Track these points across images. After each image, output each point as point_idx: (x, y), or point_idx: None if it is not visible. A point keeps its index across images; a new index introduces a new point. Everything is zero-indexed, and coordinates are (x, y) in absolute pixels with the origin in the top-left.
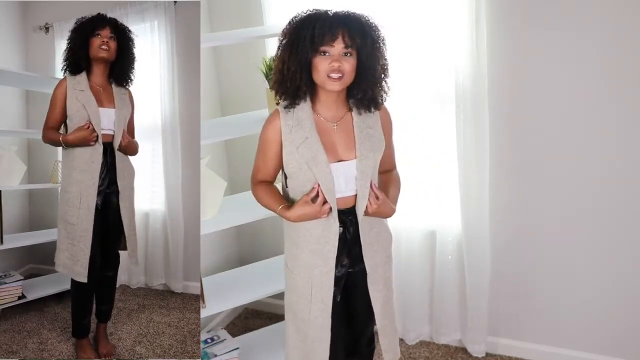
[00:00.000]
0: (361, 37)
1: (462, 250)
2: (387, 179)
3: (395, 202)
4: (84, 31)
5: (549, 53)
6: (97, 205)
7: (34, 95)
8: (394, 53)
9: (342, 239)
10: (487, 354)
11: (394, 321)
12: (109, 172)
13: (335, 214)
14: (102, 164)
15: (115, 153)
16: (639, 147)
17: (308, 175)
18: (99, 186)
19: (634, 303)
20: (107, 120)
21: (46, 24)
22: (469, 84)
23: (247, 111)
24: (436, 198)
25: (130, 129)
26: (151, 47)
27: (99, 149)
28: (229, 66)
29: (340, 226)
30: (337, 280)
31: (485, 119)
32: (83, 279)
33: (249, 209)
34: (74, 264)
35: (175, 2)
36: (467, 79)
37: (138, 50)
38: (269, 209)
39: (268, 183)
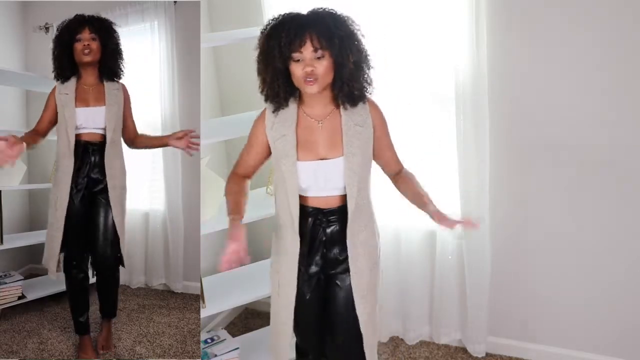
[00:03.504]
0: (328, 37)
1: (462, 250)
2: (406, 181)
3: (430, 200)
4: (65, 38)
5: (549, 53)
6: (77, 204)
7: (34, 95)
8: (393, 53)
9: (318, 238)
10: (487, 354)
11: (375, 332)
12: (91, 171)
13: (296, 216)
14: (85, 163)
15: (105, 151)
16: None
17: (278, 171)
18: (78, 184)
19: (634, 303)
20: (91, 120)
21: (46, 24)
22: (469, 84)
23: (247, 111)
24: (436, 198)
25: (128, 125)
26: (151, 47)
27: (70, 150)
28: (229, 66)
29: (316, 225)
30: (309, 277)
31: (485, 118)
32: (53, 276)
33: (249, 209)
34: (48, 261)
35: (175, 2)
36: (467, 79)
37: (137, 51)
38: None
39: (243, 179)
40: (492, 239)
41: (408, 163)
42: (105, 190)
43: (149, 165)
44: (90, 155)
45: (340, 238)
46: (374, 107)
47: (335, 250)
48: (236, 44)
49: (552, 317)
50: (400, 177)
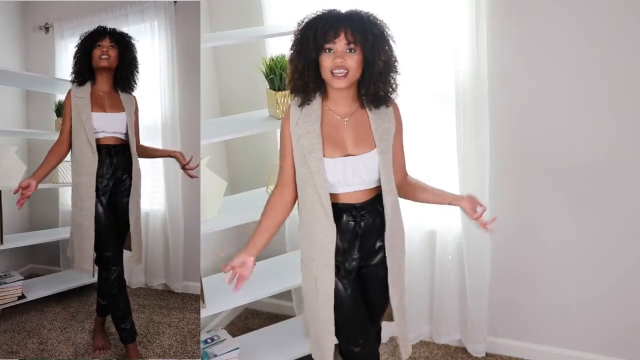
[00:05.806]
0: (362, 32)
1: (462, 250)
2: (421, 185)
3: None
4: (86, 44)
5: (549, 53)
6: (103, 204)
7: (34, 95)
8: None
9: (353, 233)
10: (487, 354)
11: (405, 316)
12: (115, 173)
13: (329, 209)
14: (107, 165)
15: (130, 154)
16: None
17: (305, 167)
18: (104, 186)
19: (633, 303)
20: (109, 124)
21: (46, 24)
22: (469, 84)
23: (247, 111)
24: None
25: (134, 134)
26: (151, 47)
27: (93, 152)
28: (229, 66)
29: (350, 221)
30: (348, 273)
31: (485, 119)
32: (89, 272)
33: (249, 209)
34: (82, 260)
35: (175, 2)
36: (467, 79)
37: (138, 51)
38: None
39: (285, 204)
40: (492, 239)
41: (407, 163)
42: (128, 191)
43: (149, 165)
44: (113, 157)
45: (373, 230)
46: (396, 108)
47: (370, 242)
48: (236, 44)
49: (552, 317)
50: (410, 184)
